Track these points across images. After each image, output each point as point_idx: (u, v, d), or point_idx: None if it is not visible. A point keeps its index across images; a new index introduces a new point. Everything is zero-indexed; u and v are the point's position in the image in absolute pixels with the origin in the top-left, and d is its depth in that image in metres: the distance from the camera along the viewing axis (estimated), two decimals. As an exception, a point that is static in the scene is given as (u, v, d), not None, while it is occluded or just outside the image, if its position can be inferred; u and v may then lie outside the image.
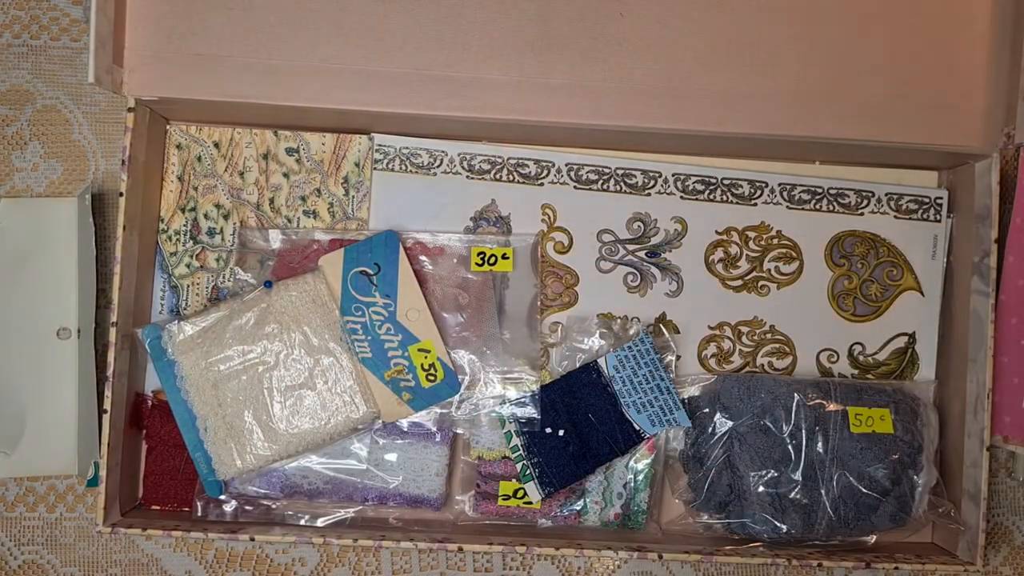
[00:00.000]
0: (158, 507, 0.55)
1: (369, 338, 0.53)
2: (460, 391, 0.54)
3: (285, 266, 0.54)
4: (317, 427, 0.52)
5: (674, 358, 0.55)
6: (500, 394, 0.54)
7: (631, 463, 0.55)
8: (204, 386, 0.52)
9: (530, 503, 0.54)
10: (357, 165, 0.56)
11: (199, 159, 0.56)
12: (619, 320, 0.56)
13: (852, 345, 0.57)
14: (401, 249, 0.53)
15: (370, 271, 0.53)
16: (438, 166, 0.55)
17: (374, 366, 0.53)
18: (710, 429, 0.54)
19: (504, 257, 0.54)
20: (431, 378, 0.53)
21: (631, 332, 0.55)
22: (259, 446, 0.52)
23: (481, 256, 0.54)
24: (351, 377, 0.52)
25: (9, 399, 0.55)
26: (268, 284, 0.53)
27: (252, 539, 0.51)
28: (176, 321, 0.53)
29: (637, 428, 0.54)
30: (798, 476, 0.53)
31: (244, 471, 0.52)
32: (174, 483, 0.55)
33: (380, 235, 0.53)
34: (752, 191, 0.56)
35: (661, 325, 0.56)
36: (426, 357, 0.53)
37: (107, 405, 0.50)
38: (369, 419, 0.53)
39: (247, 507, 0.54)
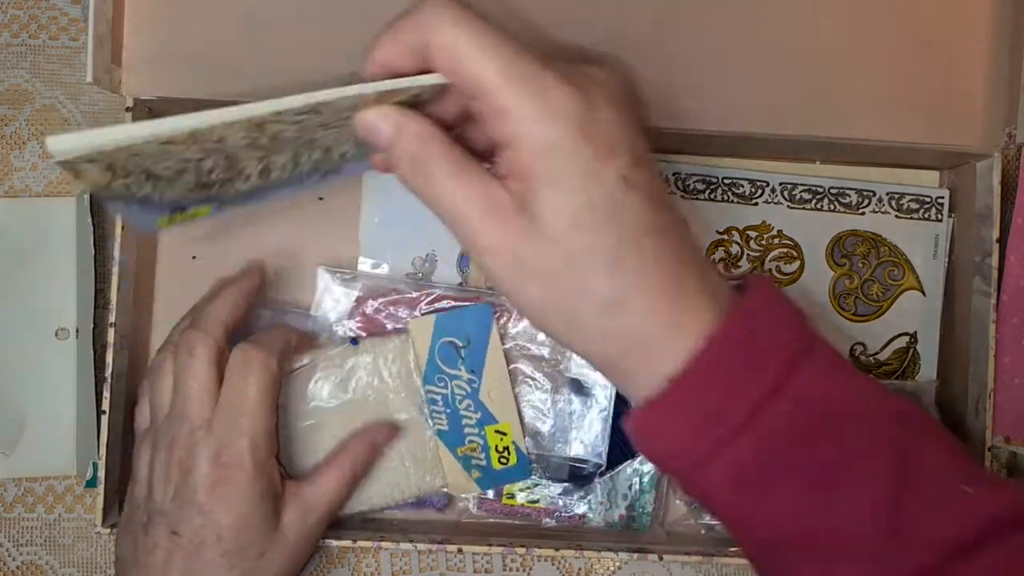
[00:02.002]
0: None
1: (448, 411, 0.52)
2: (530, 476, 0.54)
3: (360, 312, 0.54)
4: (386, 497, 0.52)
5: None
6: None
7: (636, 465, 0.55)
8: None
9: (535, 502, 0.54)
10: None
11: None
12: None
13: (853, 345, 0.57)
14: (495, 326, 0.53)
15: (460, 343, 0.52)
16: (438, 166, 0.55)
17: (449, 440, 0.52)
18: (711, 429, 0.54)
19: None
20: (503, 461, 0.53)
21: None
22: None
23: None
24: (428, 449, 0.52)
25: (7, 400, 0.55)
26: (354, 342, 0.52)
27: (251, 540, 0.51)
28: None
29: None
30: (799, 477, 0.53)
31: None
32: (173, 484, 0.55)
33: (475, 307, 0.53)
34: (753, 190, 0.56)
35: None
36: (502, 439, 0.53)
37: (105, 406, 0.50)
38: (437, 490, 0.53)
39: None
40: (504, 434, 0.53)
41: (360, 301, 0.54)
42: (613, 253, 0.33)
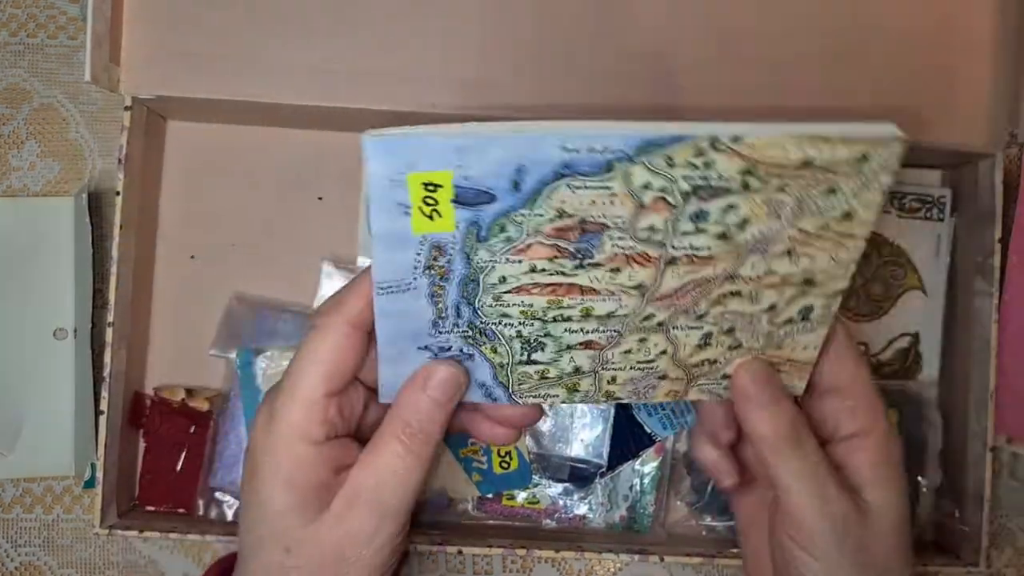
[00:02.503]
0: (154, 507, 0.54)
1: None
2: (531, 483, 0.53)
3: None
4: None
5: None
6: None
7: (637, 466, 0.55)
8: None
9: (535, 503, 0.54)
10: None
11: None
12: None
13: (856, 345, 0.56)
14: None
15: None
16: (438, 165, 0.55)
17: (450, 441, 0.52)
18: (712, 430, 0.54)
19: None
20: (504, 465, 0.52)
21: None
22: None
23: None
24: None
25: (5, 400, 0.54)
26: None
27: (250, 541, 0.50)
28: (272, 352, 0.52)
29: (648, 431, 0.54)
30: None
31: None
32: (171, 482, 0.54)
33: None
34: (754, 190, 0.56)
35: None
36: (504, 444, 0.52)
37: (104, 406, 0.50)
38: (438, 492, 0.52)
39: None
40: None
41: None
42: (906, 551, 0.38)
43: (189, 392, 0.55)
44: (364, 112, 0.51)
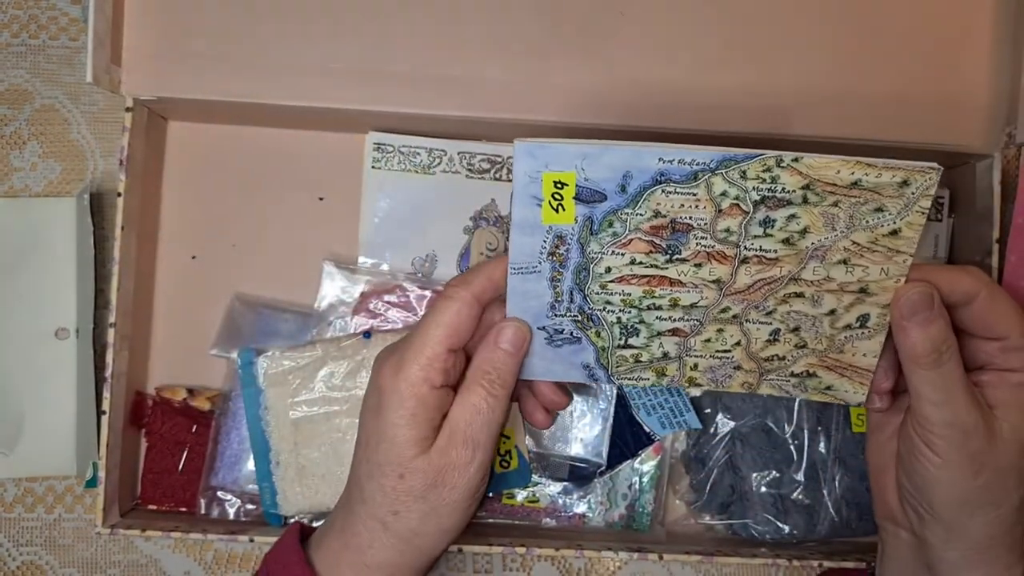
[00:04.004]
0: (155, 506, 0.55)
1: None
2: (530, 482, 0.54)
3: (365, 307, 0.54)
4: None
5: None
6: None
7: (636, 464, 0.55)
8: (285, 422, 0.52)
9: (535, 502, 0.54)
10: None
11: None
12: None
13: (853, 345, 0.57)
14: None
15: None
16: (437, 165, 0.55)
17: None
18: (712, 430, 0.54)
19: None
20: (504, 464, 0.53)
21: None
22: (325, 493, 0.52)
23: None
24: None
25: (7, 400, 0.55)
26: (367, 335, 0.52)
27: (252, 540, 0.51)
28: (273, 352, 0.52)
29: (647, 430, 0.54)
30: (800, 477, 0.53)
31: (306, 511, 0.52)
32: (172, 481, 0.55)
33: None
34: (753, 191, 0.56)
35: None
36: (504, 443, 0.53)
37: (105, 406, 0.50)
38: None
39: (249, 505, 0.54)
40: (507, 438, 0.53)
41: (364, 296, 0.54)
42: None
43: (190, 392, 0.55)
44: (364, 112, 0.51)
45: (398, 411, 0.42)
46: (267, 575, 0.44)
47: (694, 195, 0.39)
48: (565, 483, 0.55)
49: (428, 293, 0.54)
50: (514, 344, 0.43)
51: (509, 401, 0.44)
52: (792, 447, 0.53)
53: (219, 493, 0.54)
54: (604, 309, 0.42)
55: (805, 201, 0.39)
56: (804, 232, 0.40)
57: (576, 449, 0.54)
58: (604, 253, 0.40)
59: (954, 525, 0.42)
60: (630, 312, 0.42)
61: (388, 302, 0.54)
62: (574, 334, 0.43)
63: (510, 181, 0.55)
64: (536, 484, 0.55)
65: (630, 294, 0.41)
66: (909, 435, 0.43)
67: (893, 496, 0.45)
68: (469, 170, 0.55)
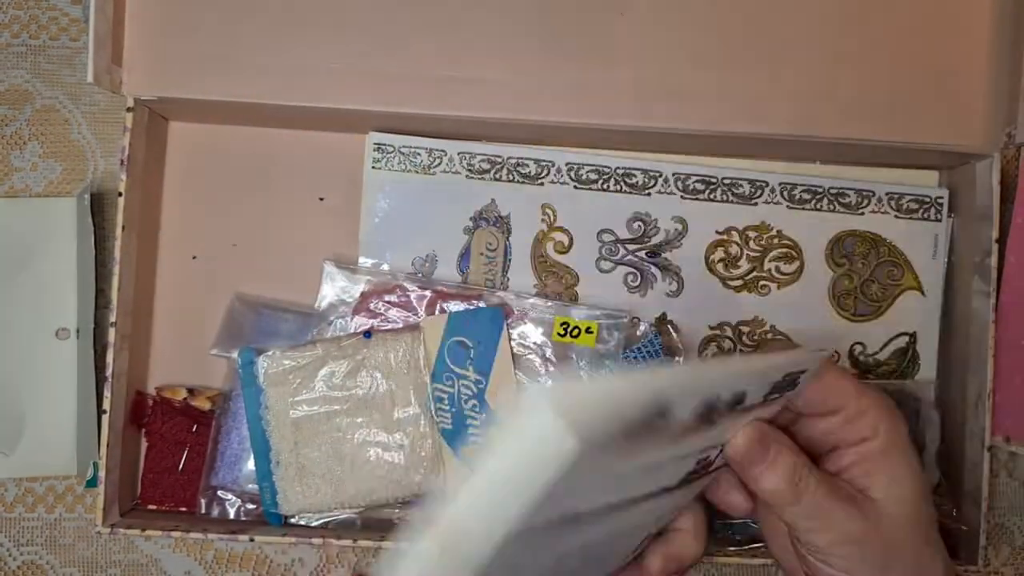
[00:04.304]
0: (155, 506, 0.55)
1: (453, 411, 0.52)
2: None
3: (365, 307, 0.54)
4: (387, 491, 0.52)
5: (681, 359, 0.55)
6: None
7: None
8: (285, 422, 0.52)
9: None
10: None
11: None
12: (626, 320, 0.56)
13: (853, 345, 0.57)
14: (505, 329, 0.53)
15: (469, 343, 0.52)
16: (437, 165, 0.55)
17: (452, 439, 0.52)
18: (710, 429, 0.54)
19: (588, 331, 0.53)
20: None
21: (639, 332, 0.55)
22: (326, 493, 0.52)
23: (564, 327, 0.53)
24: (430, 446, 0.52)
25: (8, 400, 0.55)
26: (368, 335, 0.52)
27: (252, 539, 0.51)
28: (273, 351, 0.52)
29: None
30: (799, 476, 0.53)
31: (306, 511, 0.52)
32: (172, 481, 0.55)
33: (487, 309, 0.53)
34: (752, 191, 0.56)
35: (668, 325, 0.56)
36: None
37: (106, 406, 0.50)
38: (438, 492, 0.53)
39: (249, 505, 0.54)
40: None
41: (365, 296, 0.54)
42: (926, 530, 0.41)
43: (191, 391, 0.55)
44: (364, 112, 0.51)
45: None
46: None
47: None
48: None
49: (428, 293, 0.54)
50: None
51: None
52: (792, 447, 0.53)
53: (219, 493, 0.54)
54: None
55: None
56: None
57: None
58: None
59: None
60: None
61: (388, 302, 0.54)
62: None
63: (510, 181, 0.55)
64: None
65: None
66: (806, 559, 0.41)
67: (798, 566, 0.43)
68: (469, 170, 0.55)
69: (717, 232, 0.56)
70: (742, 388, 0.33)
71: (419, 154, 0.55)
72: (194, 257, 0.57)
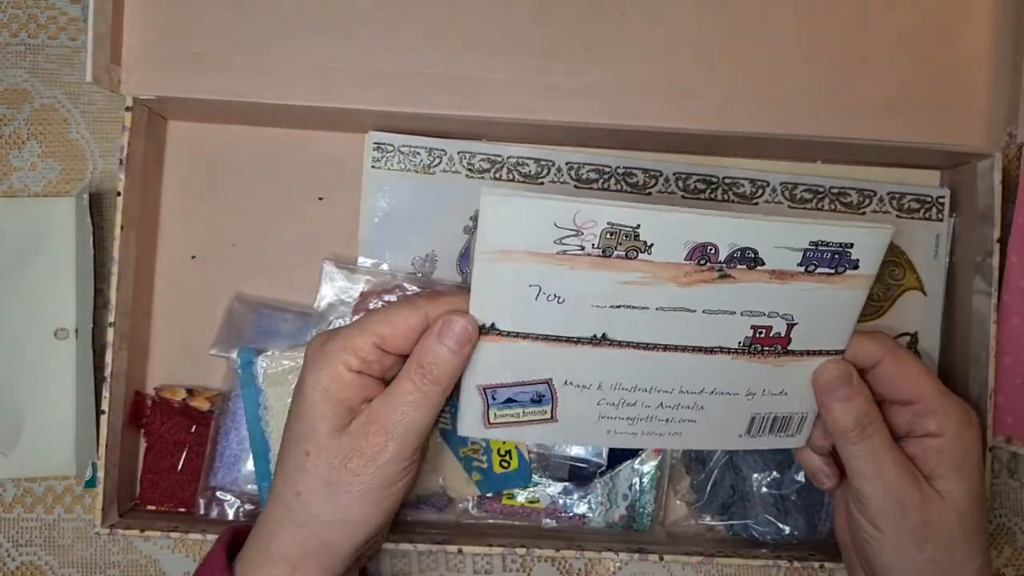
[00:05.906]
0: (154, 507, 0.55)
1: (454, 411, 0.52)
2: (531, 482, 0.54)
3: (365, 307, 0.54)
4: None
5: None
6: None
7: (636, 465, 0.55)
8: (284, 422, 0.51)
9: (535, 502, 0.54)
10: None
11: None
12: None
13: (854, 345, 0.56)
14: None
15: None
16: (437, 165, 0.55)
17: (452, 439, 0.52)
18: (711, 430, 0.54)
19: None
20: (504, 464, 0.53)
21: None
22: None
23: None
24: (430, 446, 0.52)
25: (6, 400, 0.55)
26: None
27: (251, 540, 0.51)
28: (272, 352, 0.52)
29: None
30: (800, 477, 0.53)
31: None
32: (171, 481, 0.55)
33: None
34: (753, 190, 0.56)
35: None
36: (504, 443, 0.53)
37: (105, 406, 0.50)
38: (436, 490, 0.52)
39: (248, 505, 0.54)
40: None
41: (364, 296, 0.54)
42: (969, 530, 0.43)
43: (190, 392, 0.55)
44: (364, 112, 0.51)
45: (314, 384, 0.41)
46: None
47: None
48: (565, 483, 0.55)
49: (427, 291, 0.54)
50: (459, 343, 0.40)
51: (442, 401, 0.41)
52: (793, 447, 0.53)
53: (218, 493, 0.54)
54: None
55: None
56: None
57: (576, 449, 0.54)
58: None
59: None
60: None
61: (388, 302, 0.54)
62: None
63: (510, 181, 0.55)
64: (536, 484, 0.55)
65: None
66: (852, 512, 0.44)
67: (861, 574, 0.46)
68: (469, 170, 0.55)
69: (718, 232, 0.56)
70: (746, 244, 0.38)
71: (419, 153, 0.55)
72: (193, 257, 0.57)
